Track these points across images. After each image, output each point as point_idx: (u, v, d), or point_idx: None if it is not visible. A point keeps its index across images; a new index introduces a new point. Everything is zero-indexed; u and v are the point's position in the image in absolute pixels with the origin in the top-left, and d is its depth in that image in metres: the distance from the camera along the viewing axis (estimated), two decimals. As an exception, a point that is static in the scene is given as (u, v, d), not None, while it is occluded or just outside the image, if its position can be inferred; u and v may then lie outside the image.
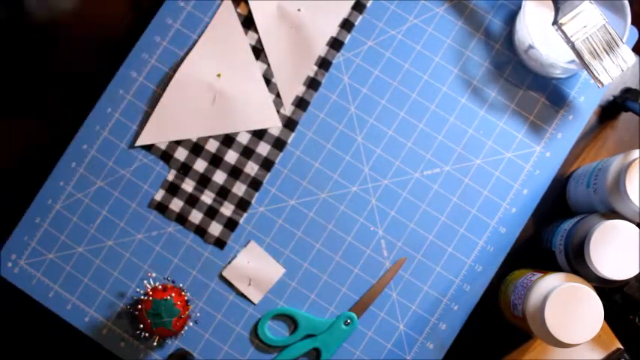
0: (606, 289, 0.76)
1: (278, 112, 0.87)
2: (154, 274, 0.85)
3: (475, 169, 0.86)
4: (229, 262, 0.85)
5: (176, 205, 0.86)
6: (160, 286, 0.82)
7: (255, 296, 0.85)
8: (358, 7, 0.88)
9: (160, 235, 0.86)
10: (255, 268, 0.85)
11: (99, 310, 0.85)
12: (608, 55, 0.77)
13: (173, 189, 0.86)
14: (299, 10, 0.88)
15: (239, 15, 0.88)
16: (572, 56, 0.78)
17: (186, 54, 0.88)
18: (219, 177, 0.86)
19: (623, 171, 0.71)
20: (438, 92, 0.87)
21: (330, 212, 0.85)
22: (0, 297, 0.89)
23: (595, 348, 0.79)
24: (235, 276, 0.85)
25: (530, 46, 0.80)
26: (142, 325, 0.80)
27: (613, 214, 0.74)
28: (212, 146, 0.87)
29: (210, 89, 0.87)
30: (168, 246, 0.86)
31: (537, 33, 0.81)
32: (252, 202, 0.86)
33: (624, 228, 0.71)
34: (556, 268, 0.77)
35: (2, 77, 0.82)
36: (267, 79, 0.88)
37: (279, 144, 0.86)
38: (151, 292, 0.81)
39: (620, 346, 0.79)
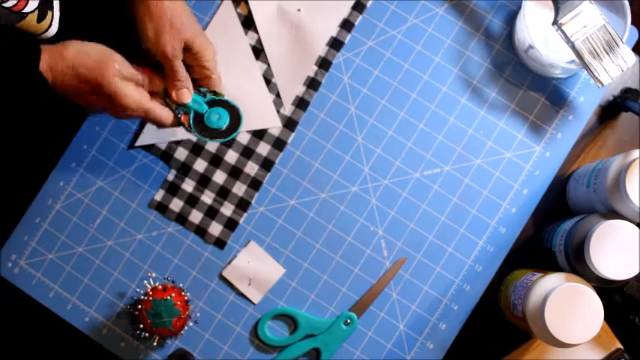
0: (606, 289, 0.76)
1: (278, 112, 0.87)
2: (153, 274, 0.85)
3: (475, 169, 0.86)
4: (229, 262, 0.85)
5: (176, 205, 0.86)
6: (160, 286, 0.82)
7: (255, 296, 0.85)
8: (358, 7, 0.88)
9: (160, 235, 0.86)
10: (255, 268, 0.85)
11: (99, 310, 0.85)
12: (608, 55, 0.77)
13: (173, 189, 0.86)
14: (299, 10, 0.88)
15: (239, 15, 0.88)
16: (572, 56, 0.78)
17: (186, 54, 0.88)
18: (219, 177, 0.86)
19: (623, 171, 0.71)
20: (438, 92, 0.87)
21: (330, 212, 0.85)
22: (0, 297, 0.89)
23: (595, 348, 0.79)
24: (235, 276, 0.85)
25: (530, 46, 0.80)
26: (142, 325, 0.80)
27: (613, 214, 0.74)
28: (212, 146, 0.87)
29: (210, 89, 0.87)
30: (168, 246, 0.86)
31: (537, 33, 0.81)
32: (252, 202, 0.86)
33: (624, 228, 0.71)
34: (556, 268, 0.77)
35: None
36: (267, 79, 0.88)
37: (279, 144, 0.86)
38: (151, 292, 0.81)
39: (620, 346, 0.79)
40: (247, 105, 0.87)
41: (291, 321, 0.85)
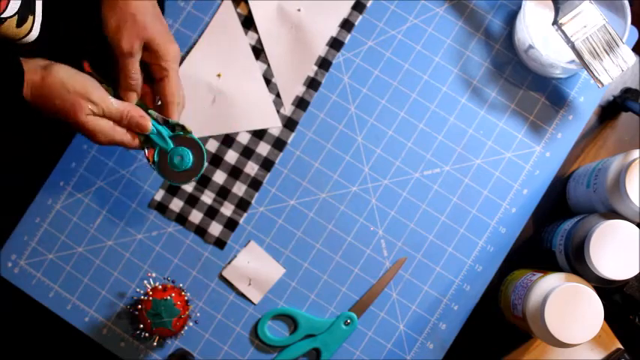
0: (606, 289, 0.76)
1: (278, 112, 0.87)
2: (153, 274, 0.85)
3: (475, 169, 0.86)
4: (229, 262, 0.85)
5: (176, 205, 0.86)
6: (160, 286, 0.82)
7: (255, 296, 0.85)
8: (358, 7, 0.88)
9: (160, 235, 0.86)
10: (255, 268, 0.85)
11: (99, 310, 0.85)
12: (608, 55, 0.77)
13: (173, 189, 0.86)
14: (299, 10, 0.88)
15: (239, 15, 0.88)
16: (572, 56, 0.78)
17: (187, 54, 0.88)
18: (219, 177, 0.86)
19: (623, 171, 0.71)
20: (438, 92, 0.87)
21: (330, 212, 0.85)
22: (0, 297, 0.89)
23: (595, 348, 0.79)
24: (235, 276, 0.85)
25: (530, 46, 0.80)
26: (142, 325, 0.80)
27: (613, 214, 0.74)
28: (212, 146, 0.87)
29: (210, 89, 0.87)
30: (168, 246, 0.86)
31: (537, 33, 0.81)
32: (252, 202, 0.86)
33: (624, 228, 0.71)
34: (556, 268, 0.77)
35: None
36: (267, 79, 0.88)
37: (279, 144, 0.86)
38: (151, 292, 0.81)
39: (620, 346, 0.79)
40: (247, 105, 0.87)
41: (291, 321, 0.85)
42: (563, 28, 0.77)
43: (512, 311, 0.78)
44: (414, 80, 0.87)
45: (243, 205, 0.86)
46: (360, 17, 0.88)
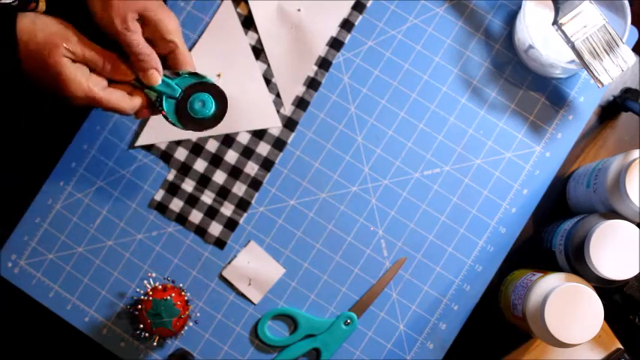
0: (606, 289, 0.76)
1: (278, 112, 0.87)
2: (153, 274, 0.85)
3: (475, 169, 0.86)
4: (229, 262, 0.85)
5: (176, 205, 0.86)
6: (160, 286, 0.82)
7: (255, 296, 0.85)
8: (358, 7, 0.88)
9: (160, 235, 0.86)
10: (255, 268, 0.85)
11: (99, 310, 0.85)
12: (608, 55, 0.77)
13: (173, 189, 0.86)
14: (299, 10, 0.88)
15: (239, 15, 0.88)
16: (572, 56, 0.78)
17: (186, 54, 0.88)
18: (219, 177, 0.86)
19: (623, 171, 0.71)
20: (438, 92, 0.87)
21: (330, 212, 0.85)
22: (0, 297, 0.89)
23: (595, 348, 0.79)
24: (235, 276, 0.85)
25: (530, 46, 0.80)
26: (142, 325, 0.80)
27: (613, 214, 0.74)
28: (212, 146, 0.87)
29: (210, 89, 0.87)
30: (168, 246, 0.86)
31: (537, 33, 0.81)
32: (252, 202, 0.86)
33: (624, 228, 0.71)
34: (556, 268, 0.77)
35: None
36: (267, 79, 0.88)
37: (279, 144, 0.86)
38: (151, 292, 0.81)
39: (620, 346, 0.79)
40: (247, 105, 0.87)
41: (291, 321, 0.85)
42: (563, 28, 0.77)
43: (512, 311, 0.78)
44: (414, 80, 0.87)
45: (243, 205, 0.86)
46: (360, 17, 0.88)
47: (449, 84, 0.87)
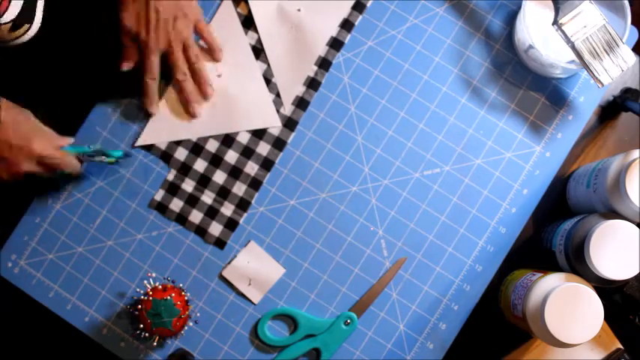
0: (606, 289, 0.76)
1: (278, 112, 0.87)
2: (153, 274, 0.85)
3: (475, 169, 0.86)
4: (229, 262, 0.85)
5: (176, 205, 0.86)
6: (160, 286, 0.82)
7: (255, 296, 0.85)
8: (358, 7, 0.88)
9: (160, 235, 0.86)
10: (255, 268, 0.85)
11: (99, 310, 0.85)
12: (608, 55, 0.77)
13: (173, 189, 0.86)
14: (299, 10, 0.88)
15: (239, 15, 0.88)
16: (572, 56, 0.78)
17: (186, 54, 0.88)
18: (219, 177, 0.86)
19: (623, 171, 0.71)
20: (438, 92, 0.87)
21: (330, 212, 0.85)
22: (0, 297, 0.89)
23: (595, 348, 0.79)
24: (235, 276, 0.85)
25: (530, 46, 0.80)
26: (142, 325, 0.80)
27: (613, 214, 0.74)
28: (212, 146, 0.87)
29: (210, 89, 0.87)
30: (168, 246, 0.86)
31: (537, 33, 0.81)
32: (252, 202, 0.86)
33: (624, 228, 0.71)
34: (556, 268, 0.77)
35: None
36: (267, 79, 0.88)
37: (279, 144, 0.86)
38: (151, 292, 0.81)
39: (620, 346, 0.79)
40: (247, 105, 0.87)
41: (291, 321, 0.85)
42: (563, 28, 0.77)
43: (512, 311, 0.78)
44: (414, 80, 0.87)
45: (243, 205, 0.86)
46: (360, 17, 0.88)
47: (449, 84, 0.87)
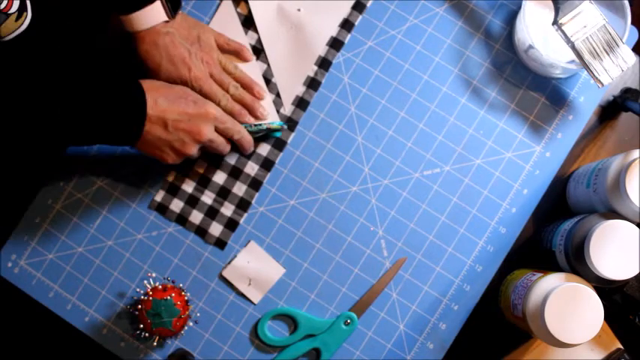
0: (606, 289, 0.76)
1: (278, 112, 0.87)
2: (153, 274, 0.85)
3: (475, 169, 0.86)
4: (229, 262, 0.85)
5: (176, 205, 0.86)
6: (160, 286, 0.82)
7: (255, 296, 0.85)
8: (358, 7, 0.88)
9: (160, 235, 0.86)
10: (255, 268, 0.85)
11: (99, 310, 0.85)
12: (608, 55, 0.77)
13: (173, 189, 0.86)
14: (299, 10, 0.88)
15: (239, 15, 0.88)
16: (572, 56, 0.78)
17: (186, 54, 0.88)
18: (220, 177, 0.86)
19: (623, 171, 0.71)
20: (438, 92, 0.87)
21: (330, 212, 0.85)
22: (0, 297, 0.89)
23: (595, 348, 0.79)
24: (235, 276, 0.85)
25: (530, 46, 0.80)
26: (142, 325, 0.80)
27: (613, 214, 0.74)
28: (212, 146, 0.87)
29: (210, 89, 0.87)
30: (168, 246, 0.86)
31: (537, 33, 0.81)
32: (253, 202, 0.86)
33: (624, 228, 0.71)
34: (556, 268, 0.77)
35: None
36: (267, 79, 0.88)
37: (279, 144, 0.86)
38: (151, 292, 0.81)
39: (620, 346, 0.79)
40: (247, 105, 0.87)
41: (291, 321, 0.85)
42: (563, 28, 0.77)
43: (512, 311, 0.78)
44: (414, 80, 0.87)
45: (243, 205, 0.86)
46: (360, 17, 0.88)
47: (449, 84, 0.87)
